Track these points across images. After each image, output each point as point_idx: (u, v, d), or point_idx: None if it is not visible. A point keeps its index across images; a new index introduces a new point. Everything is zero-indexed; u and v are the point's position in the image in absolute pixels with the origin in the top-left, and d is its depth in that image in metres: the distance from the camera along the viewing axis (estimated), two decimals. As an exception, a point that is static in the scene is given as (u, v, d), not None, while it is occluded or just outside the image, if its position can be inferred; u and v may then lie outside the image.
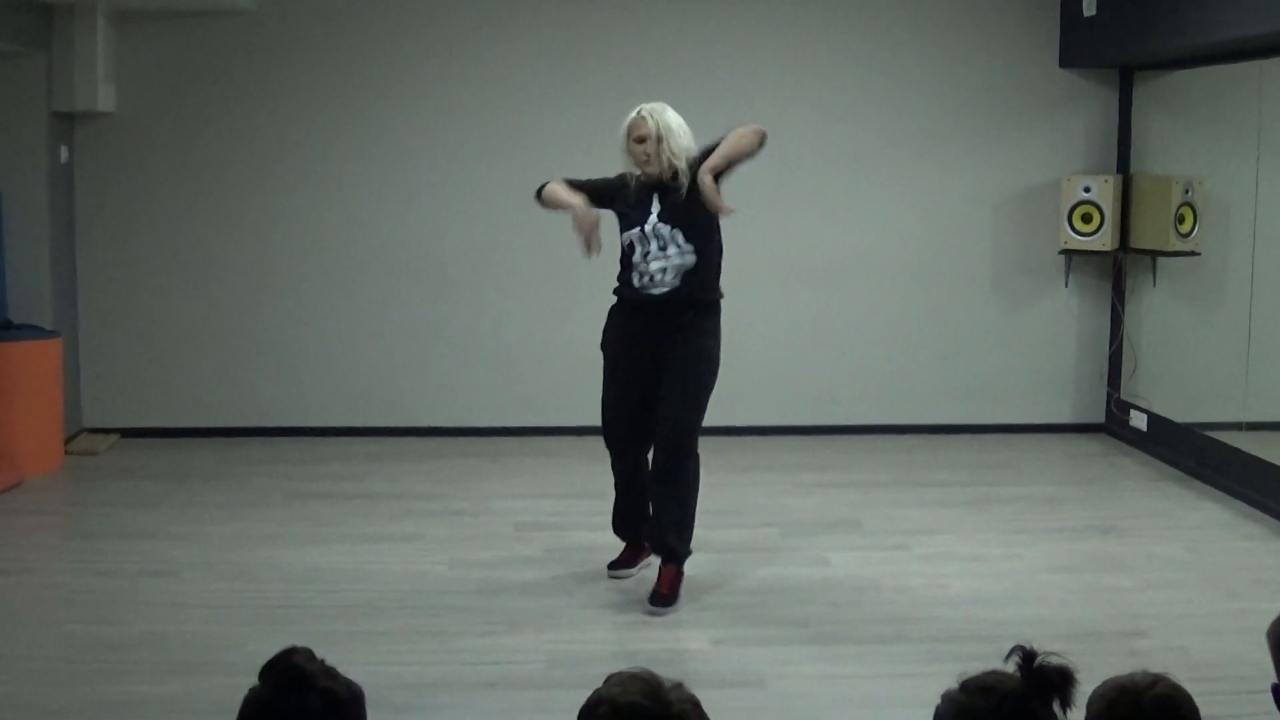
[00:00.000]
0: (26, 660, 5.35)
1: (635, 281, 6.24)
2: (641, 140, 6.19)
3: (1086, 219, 9.18)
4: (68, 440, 8.78)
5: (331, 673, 2.43)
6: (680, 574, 6.21)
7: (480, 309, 9.33)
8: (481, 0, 9.15)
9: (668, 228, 6.18)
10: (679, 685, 2.36)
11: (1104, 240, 9.17)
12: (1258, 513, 7.57)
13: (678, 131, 6.23)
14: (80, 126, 9.03)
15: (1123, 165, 9.38)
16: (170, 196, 9.16)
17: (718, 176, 6.12)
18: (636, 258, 6.22)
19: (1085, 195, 9.16)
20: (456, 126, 9.20)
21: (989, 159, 9.43)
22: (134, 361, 9.24)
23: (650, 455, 6.38)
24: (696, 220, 6.21)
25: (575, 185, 6.42)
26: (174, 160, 9.14)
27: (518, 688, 5.13)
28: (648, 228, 6.20)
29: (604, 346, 6.48)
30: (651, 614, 6.02)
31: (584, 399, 8.95)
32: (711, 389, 6.29)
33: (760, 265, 9.17)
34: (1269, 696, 2.74)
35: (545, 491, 7.98)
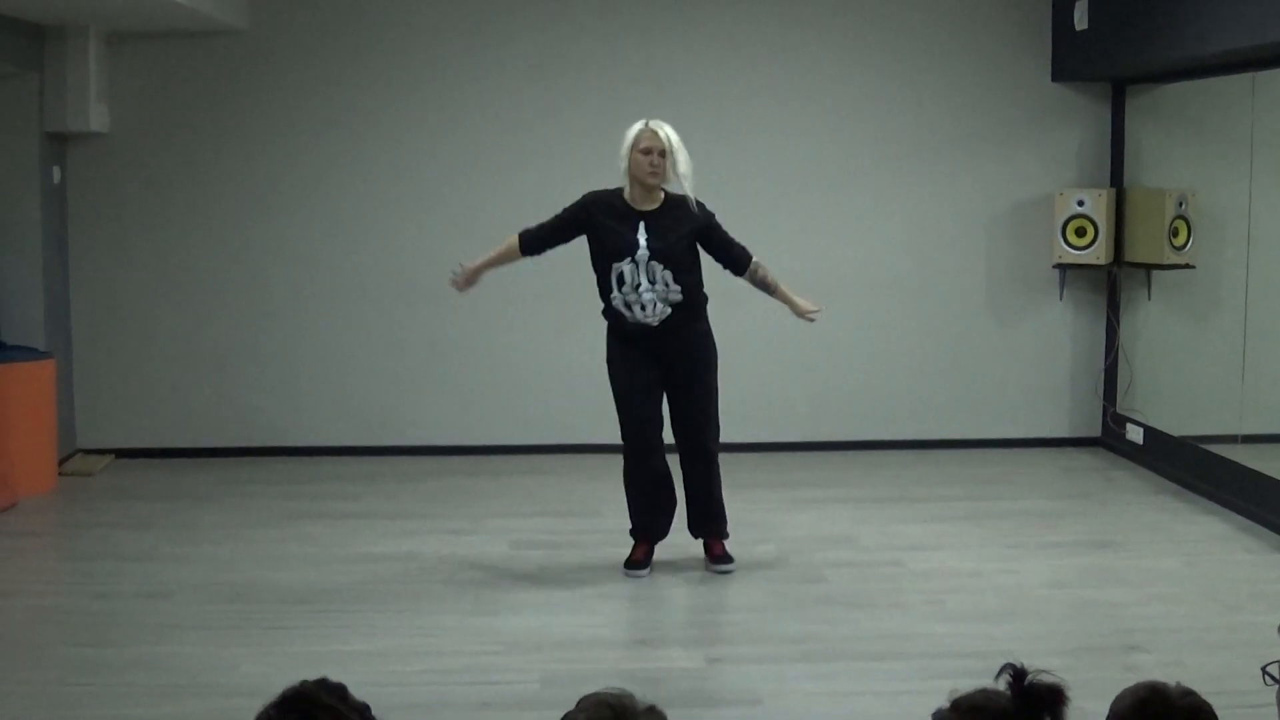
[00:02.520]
0: (20, 683, 5.33)
1: (626, 313, 6.50)
2: (648, 152, 6.45)
3: (1080, 233, 9.17)
4: (62, 461, 8.76)
5: (341, 694, 2.40)
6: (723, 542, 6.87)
7: (477, 328, 9.31)
8: (478, 22, 9.16)
9: (659, 266, 6.45)
10: (651, 709, 2.33)
11: (1098, 254, 9.16)
12: (1255, 525, 7.55)
13: (682, 150, 6.42)
14: (73, 147, 9.02)
15: (1116, 179, 9.38)
16: (164, 216, 9.15)
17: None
18: (626, 289, 6.46)
19: (1079, 209, 9.16)
20: (452, 145, 9.20)
21: (982, 174, 9.43)
22: (128, 382, 9.22)
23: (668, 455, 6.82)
24: (684, 258, 6.52)
25: (545, 227, 6.76)
26: (167, 180, 9.13)
27: (513, 708, 5.11)
28: (639, 258, 6.43)
29: (612, 367, 6.69)
30: (722, 572, 6.69)
31: (581, 417, 8.99)
32: (717, 382, 6.79)
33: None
34: (1272, 711, 2.74)
35: (541, 510, 7.96)
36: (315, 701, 2.34)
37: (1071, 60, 9.13)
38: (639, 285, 6.44)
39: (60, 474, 8.60)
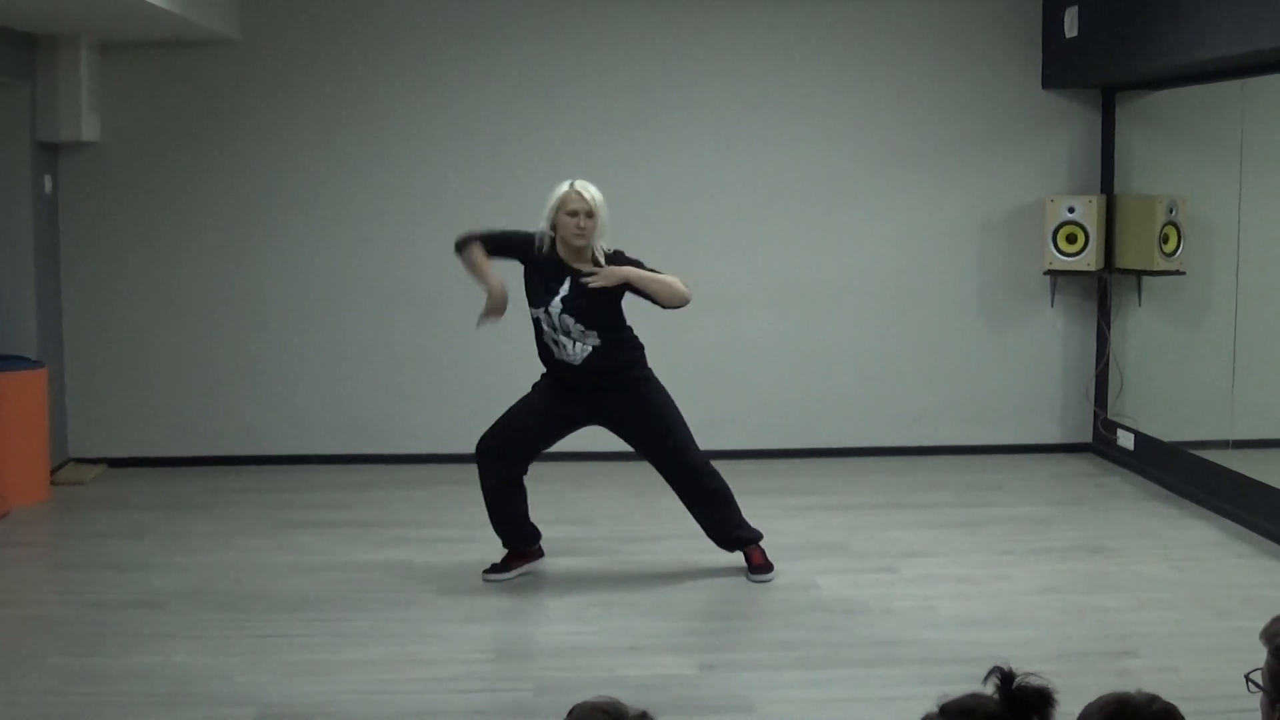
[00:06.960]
0: (12, 693, 5.32)
1: (553, 348, 6.58)
2: (574, 214, 6.48)
3: (1071, 239, 9.20)
4: (54, 470, 8.76)
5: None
6: (762, 549, 6.82)
7: (468, 336, 9.26)
8: (471, 32, 9.16)
9: (571, 320, 6.49)
10: (643, 715, 2.34)
11: (1089, 260, 9.18)
12: (1246, 531, 7.57)
13: (605, 208, 6.51)
14: (64, 157, 9.02)
15: (1106, 185, 9.40)
16: (155, 226, 9.15)
17: (624, 284, 6.46)
18: (545, 334, 6.57)
19: (1069, 216, 9.18)
20: (445, 155, 9.20)
21: (973, 181, 9.45)
22: (120, 391, 9.22)
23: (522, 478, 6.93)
24: (599, 313, 6.51)
25: (494, 237, 6.71)
26: (159, 190, 9.13)
27: (506, 715, 5.11)
28: (553, 310, 6.51)
29: (531, 391, 6.81)
30: (759, 581, 6.70)
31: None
32: (677, 412, 6.69)
33: (746, 288, 9.19)
34: (1258, 717, 2.75)
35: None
36: None
37: (1062, 67, 9.16)
38: (555, 335, 6.52)
39: (52, 483, 8.60)
